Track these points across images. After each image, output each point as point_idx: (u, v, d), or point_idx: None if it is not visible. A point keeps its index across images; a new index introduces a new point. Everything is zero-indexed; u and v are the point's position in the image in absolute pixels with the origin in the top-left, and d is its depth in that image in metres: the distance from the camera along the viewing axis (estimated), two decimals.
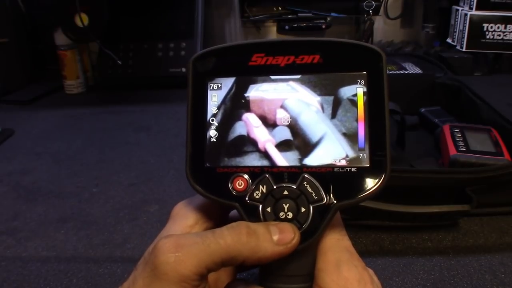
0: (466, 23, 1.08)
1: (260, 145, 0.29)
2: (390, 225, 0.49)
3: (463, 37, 1.10)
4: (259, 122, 0.29)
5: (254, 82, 0.29)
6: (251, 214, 0.28)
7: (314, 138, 0.28)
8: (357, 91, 0.28)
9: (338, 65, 0.28)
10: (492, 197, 0.51)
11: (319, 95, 0.29)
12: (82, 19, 0.95)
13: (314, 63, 0.28)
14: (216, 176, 0.29)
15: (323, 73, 0.28)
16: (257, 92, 0.29)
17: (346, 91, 0.28)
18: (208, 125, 0.29)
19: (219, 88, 0.29)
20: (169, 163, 0.69)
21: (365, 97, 0.28)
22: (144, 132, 0.82)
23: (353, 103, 0.28)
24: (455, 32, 1.16)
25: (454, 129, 0.63)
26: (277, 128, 0.29)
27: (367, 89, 0.28)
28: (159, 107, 0.95)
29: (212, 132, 0.29)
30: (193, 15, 1.09)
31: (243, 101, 0.29)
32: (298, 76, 0.29)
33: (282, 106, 0.29)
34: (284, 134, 0.29)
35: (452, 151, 0.57)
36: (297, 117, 0.29)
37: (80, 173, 0.67)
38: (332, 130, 0.28)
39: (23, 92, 1.07)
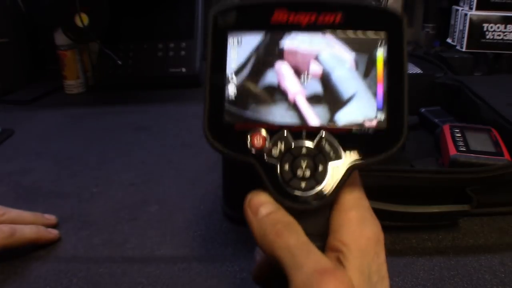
0: (466, 23, 1.08)
1: (290, 97, 0.29)
2: (390, 225, 0.49)
3: (463, 37, 1.10)
4: (291, 73, 0.29)
5: (282, 36, 0.29)
6: (269, 171, 0.28)
7: (344, 95, 0.28)
8: (377, 51, 0.28)
9: (359, 25, 0.28)
10: (492, 197, 0.51)
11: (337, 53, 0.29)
12: (82, 19, 0.95)
13: (336, 22, 0.28)
14: (234, 132, 0.28)
15: (344, 31, 0.28)
16: (291, 41, 0.29)
17: (366, 51, 0.28)
18: (228, 80, 0.29)
19: (240, 42, 0.29)
20: (169, 163, 0.69)
21: (384, 58, 0.28)
22: (144, 132, 0.82)
23: (373, 63, 0.28)
24: (455, 32, 1.16)
25: (454, 129, 0.63)
26: (309, 81, 0.29)
27: (387, 50, 0.28)
28: (159, 107, 0.95)
29: (233, 86, 0.29)
30: (193, 15, 1.09)
31: (275, 52, 0.29)
32: (319, 33, 0.29)
33: (316, 59, 0.29)
34: (316, 87, 0.29)
35: (452, 151, 0.57)
36: (330, 72, 0.29)
37: (80, 173, 0.67)
38: (362, 88, 0.28)
39: (23, 92, 1.07)
